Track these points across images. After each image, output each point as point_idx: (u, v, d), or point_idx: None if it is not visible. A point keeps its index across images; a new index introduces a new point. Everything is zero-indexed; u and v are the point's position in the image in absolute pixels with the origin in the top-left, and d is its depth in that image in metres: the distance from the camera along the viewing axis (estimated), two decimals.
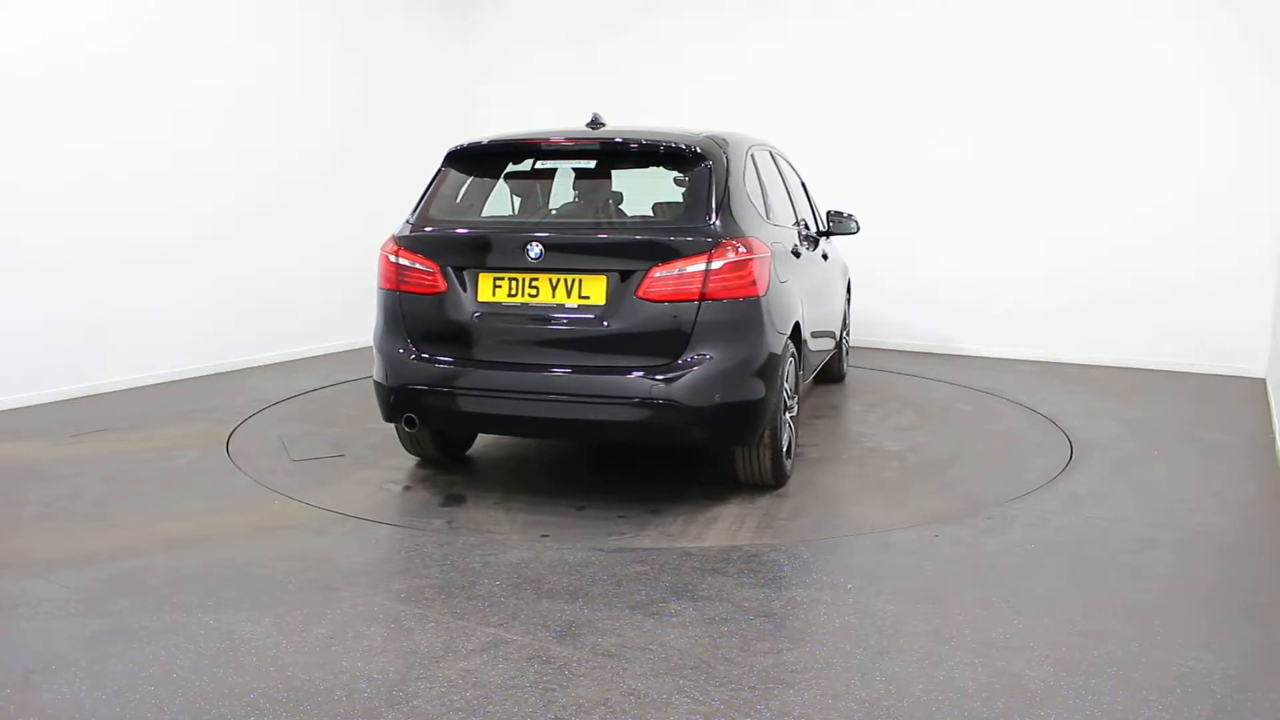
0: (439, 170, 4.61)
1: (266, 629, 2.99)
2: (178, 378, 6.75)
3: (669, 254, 3.99)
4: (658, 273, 3.97)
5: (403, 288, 4.34)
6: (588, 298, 4.05)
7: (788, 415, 4.51)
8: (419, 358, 4.27)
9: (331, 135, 7.98)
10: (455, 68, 9.44)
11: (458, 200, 4.55)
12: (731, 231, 4.09)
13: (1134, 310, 7.60)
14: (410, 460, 4.94)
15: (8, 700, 2.58)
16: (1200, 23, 7.21)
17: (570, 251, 4.10)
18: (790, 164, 6.08)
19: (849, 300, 7.16)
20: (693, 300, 3.95)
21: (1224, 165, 7.24)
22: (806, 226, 5.87)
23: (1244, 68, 7.12)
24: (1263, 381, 7.09)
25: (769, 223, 4.59)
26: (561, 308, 4.09)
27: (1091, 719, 2.52)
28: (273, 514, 4.12)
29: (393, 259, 4.37)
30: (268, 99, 7.37)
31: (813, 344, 5.24)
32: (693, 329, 3.95)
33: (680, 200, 4.38)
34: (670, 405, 3.93)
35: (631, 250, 4.07)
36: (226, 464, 4.84)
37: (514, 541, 3.79)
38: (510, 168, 4.72)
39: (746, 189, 4.44)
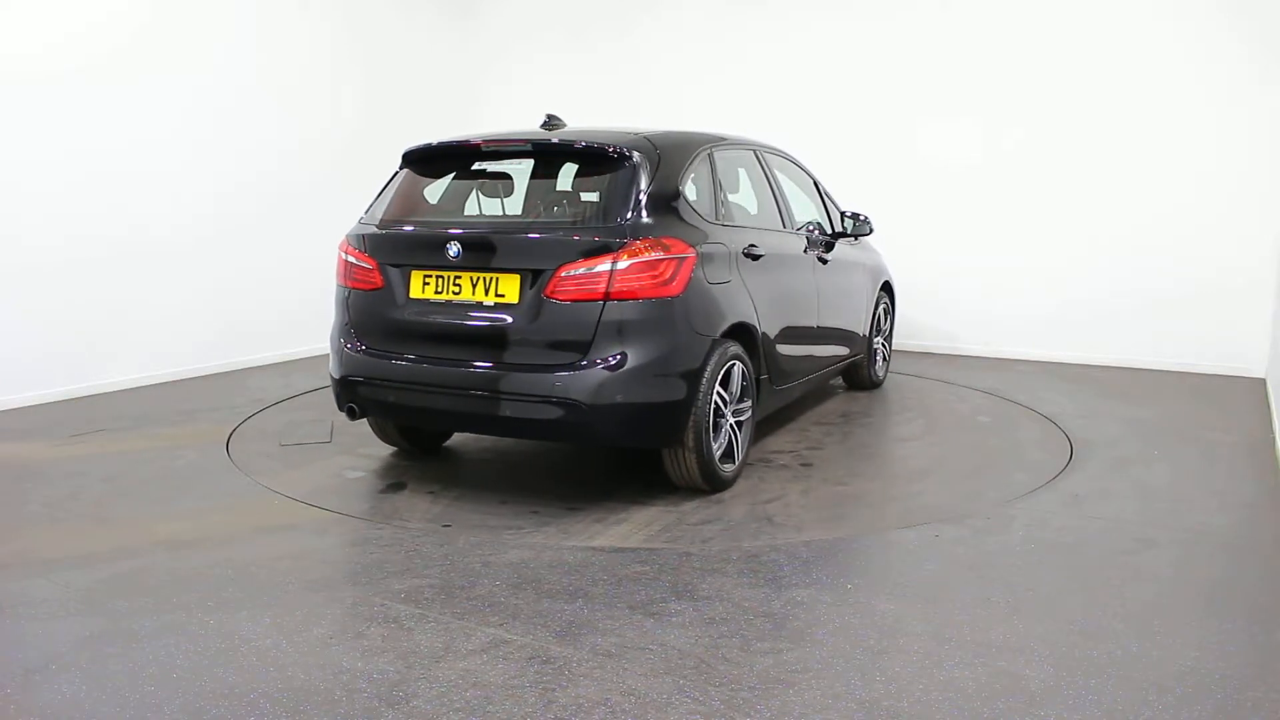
0: (396, 171, 4.73)
1: (266, 629, 2.99)
2: (178, 378, 6.76)
3: (576, 254, 4.00)
4: (564, 272, 3.99)
5: (349, 284, 4.49)
6: (503, 296, 4.10)
7: (730, 420, 4.44)
8: (360, 351, 4.41)
9: (331, 135, 7.98)
10: (455, 68, 9.44)
11: (406, 200, 4.62)
12: (646, 231, 4.06)
13: (1135, 310, 7.60)
14: (386, 450, 5.03)
15: (8, 700, 2.58)
16: (1202, 26, 7.21)
17: (486, 251, 4.14)
18: (800, 166, 6.04)
19: (887, 306, 6.97)
20: (597, 300, 3.95)
21: (1225, 167, 7.24)
22: (822, 230, 5.84)
23: (1245, 69, 7.12)
24: (1263, 381, 7.09)
25: (717, 223, 4.51)
26: (480, 305, 4.15)
27: (1091, 719, 2.52)
28: (272, 514, 4.12)
29: (343, 256, 4.53)
30: (268, 98, 7.37)
31: (790, 349, 5.11)
32: (597, 329, 3.96)
33: (607, 200, 4.30)
34: (573, 404, 3.94)
35: (541, 250, 4.08)
36: (226, 464, 4.84)
37: (415, 532, 3.79)
38: (457, 168, 4.74)
39: (684, 189, 4.39)
